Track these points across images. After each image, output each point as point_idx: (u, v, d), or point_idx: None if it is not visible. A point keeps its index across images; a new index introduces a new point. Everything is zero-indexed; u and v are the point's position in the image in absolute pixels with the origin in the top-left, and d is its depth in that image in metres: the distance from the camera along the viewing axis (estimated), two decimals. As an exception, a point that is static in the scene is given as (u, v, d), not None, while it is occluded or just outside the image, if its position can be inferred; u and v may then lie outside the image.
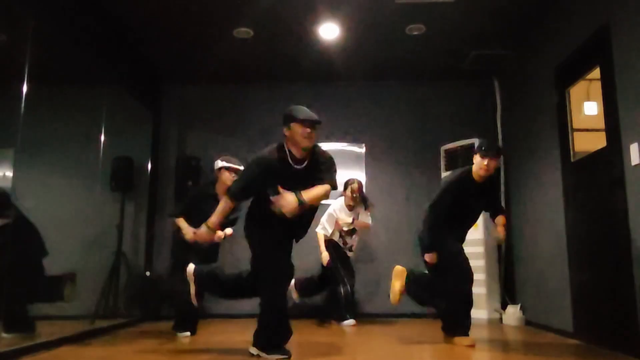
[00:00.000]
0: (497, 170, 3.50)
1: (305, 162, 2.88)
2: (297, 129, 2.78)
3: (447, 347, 3.36)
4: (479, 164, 3.29)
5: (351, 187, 4.69)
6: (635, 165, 2.93)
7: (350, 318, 4.59)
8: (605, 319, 3.28)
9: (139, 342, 3.60)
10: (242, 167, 3.65)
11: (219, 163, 3.83)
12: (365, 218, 4.78)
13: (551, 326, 4.09)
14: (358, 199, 4.73)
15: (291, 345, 2.99)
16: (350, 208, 4.75)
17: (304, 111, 2.84)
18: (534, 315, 4.48)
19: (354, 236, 4.76)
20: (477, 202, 3.45)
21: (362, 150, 5.66)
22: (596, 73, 3.45)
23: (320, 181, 2.84)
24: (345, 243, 4.73)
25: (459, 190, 3.33)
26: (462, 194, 3.34)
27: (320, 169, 2.89)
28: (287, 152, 2.85)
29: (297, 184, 2.77)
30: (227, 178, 3.75)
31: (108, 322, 4.39)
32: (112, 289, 4.94)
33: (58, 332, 3.55)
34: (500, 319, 4.78)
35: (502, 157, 3.46)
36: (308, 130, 2.78)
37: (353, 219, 4.72)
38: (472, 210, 3.50)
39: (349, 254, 4.77)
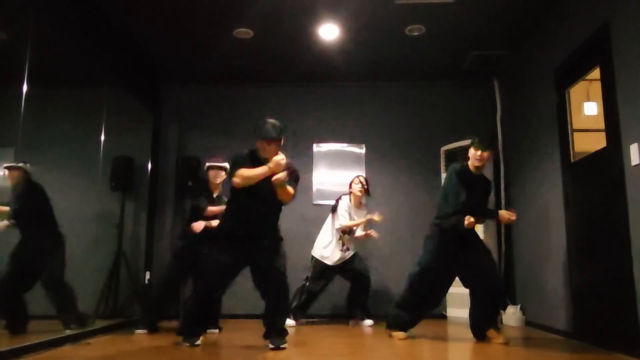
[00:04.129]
0: (488, 182, 3.77)
1: None
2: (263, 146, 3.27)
3: (447, 346, 3.36)
4: (473, 156, 3.57)
5: (359, 180, 4.69)
6: (635, 165, 2.93)
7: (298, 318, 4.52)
8: (605, 319, 3.28)
9: (139, 342, 3.60)
10: (225, 164, 3.92)
11: (206, 164, 4.15)
12: (369, 212, 4.76)
13: (551, 327, 4.08)
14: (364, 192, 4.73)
15: (293, 343, 2.98)
16: (359, 205, 4.72)
17: (265, 128, 3.27)
18: (533, 315, 4.48)
19: (352, 235, 4.69)
20: (474, 192, 3.60)
21: (362, 150, 5.66)
22: (596, 73, 3.45)
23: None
24: (343, 244, 4.62)
25: (459, 177, 3.57)
26: (463, 181, 3.56)
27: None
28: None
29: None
30: (213, 176, 4.05)
31: (108, 322, 4.39)
32: (112, 289, 4.95)
33: (58, 331, 3.56)
34: (500, 319, 4.77)
35: (493, 152, 3.73)
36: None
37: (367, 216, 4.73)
38: (472, 198, 3.61)
39: (347, 253, 4.64)
